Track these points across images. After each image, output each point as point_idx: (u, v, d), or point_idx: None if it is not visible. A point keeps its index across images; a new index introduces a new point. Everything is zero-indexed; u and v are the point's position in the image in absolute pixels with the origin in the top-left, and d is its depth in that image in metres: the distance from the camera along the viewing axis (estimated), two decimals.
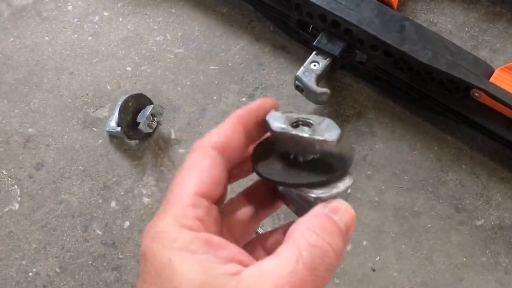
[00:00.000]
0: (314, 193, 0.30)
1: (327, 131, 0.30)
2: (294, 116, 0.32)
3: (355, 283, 0.63)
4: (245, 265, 0.27)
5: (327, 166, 0.31)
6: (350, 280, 0.64)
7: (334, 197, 0.30)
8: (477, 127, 0.68)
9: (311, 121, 0.31)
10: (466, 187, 0.69)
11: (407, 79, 0.69)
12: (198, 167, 0.29)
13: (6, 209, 0.67)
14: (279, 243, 0.29)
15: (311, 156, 0.32)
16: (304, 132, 0.30)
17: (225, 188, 0.31)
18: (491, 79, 0.66)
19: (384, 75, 0.71)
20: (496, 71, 0.66)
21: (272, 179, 0.31)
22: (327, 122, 0.31)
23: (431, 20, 0.79)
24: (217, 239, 0.28)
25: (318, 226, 0.28)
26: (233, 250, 0.28)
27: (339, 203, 0.30)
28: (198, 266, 0.26)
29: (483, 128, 0.67)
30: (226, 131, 0.30)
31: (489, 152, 0.70)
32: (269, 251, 0.33)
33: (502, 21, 0.79)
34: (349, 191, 0.31)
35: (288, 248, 0.28)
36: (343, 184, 0.31)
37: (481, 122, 0.67)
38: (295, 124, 0.31)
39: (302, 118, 0.31)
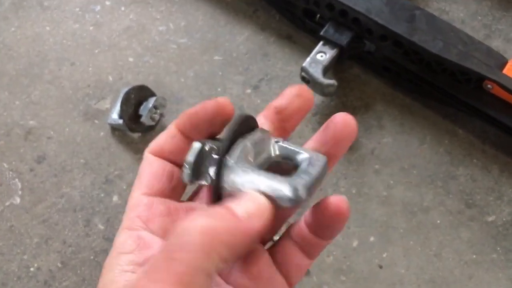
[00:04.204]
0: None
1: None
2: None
3: (361, 280, 0.62)
4: None
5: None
6: (356, 277, 0.62)
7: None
8: (489, 120, 0.66)
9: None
10: (477, 182, 0.67)
11: (417, 71, 0.67)
12: (140, 173, 0.32)
13: (7, 203, 0.66)
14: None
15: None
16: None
17: (171, 181, 0.32)
18: (505, 70, 0.63)
19: (394, 66, 0.69)
20: (510, 62, 0.64)
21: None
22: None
23: (443, 8, 0.77)
24: (149, 237, 0.30)
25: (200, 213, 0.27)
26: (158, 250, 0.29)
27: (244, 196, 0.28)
28: (122, 263, 0.28)
29: (496, 121, 0.65)
30: (161, 136, 0.33)
31: (502, 146, 0.68)
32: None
33: None
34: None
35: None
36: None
37: (494, 115, 0.65)
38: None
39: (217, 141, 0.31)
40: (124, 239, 0.29)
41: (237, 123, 0.30)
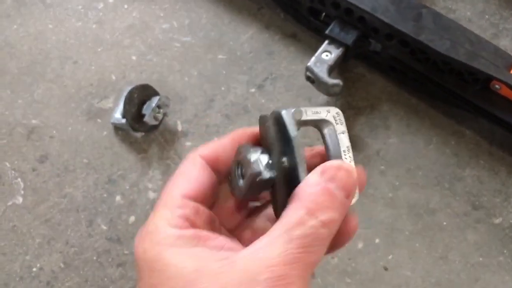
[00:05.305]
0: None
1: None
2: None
3: (366, 282, 0.61)
4: (236, 252, 0.28)
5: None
6: (362, 279, 0.62)
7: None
8: (497, 121, 0.65)
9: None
10: (484, 183, 0.66)
11: (424, 70, 0.66)
12: (186, 173, 0.31)
13: (10, 203, 0.66)
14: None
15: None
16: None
17: (215, 194, 0.33)
18: None
19: (400, 66, 0.68)
20: None
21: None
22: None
23: (450, 7, 0.76)
24: (204, 233, 0.29)
25: (312, 201, 0.28)
26: (222, 240, 0.29)
27: (337, 164, 0.29)
28: (190, 255, 0.28)
29: (503, 122, 0.64)
30: (218, 145, 0.32)
31: (509, 148, 0.67)
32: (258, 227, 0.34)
33: None
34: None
35: (280, 227, 0.28)
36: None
37: (501, 115, 0.64)
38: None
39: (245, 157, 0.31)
40: (176, 236, 0.29)
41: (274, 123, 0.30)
